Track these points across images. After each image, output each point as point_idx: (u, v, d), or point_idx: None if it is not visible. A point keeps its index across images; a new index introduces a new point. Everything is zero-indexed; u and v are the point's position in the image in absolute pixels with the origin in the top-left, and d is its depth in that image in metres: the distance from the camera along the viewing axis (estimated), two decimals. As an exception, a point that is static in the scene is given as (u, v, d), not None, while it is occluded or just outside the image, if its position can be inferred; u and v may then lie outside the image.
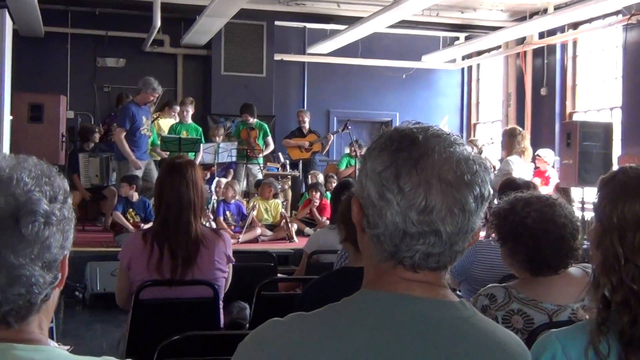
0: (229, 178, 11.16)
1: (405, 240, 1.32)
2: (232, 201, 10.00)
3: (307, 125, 12.79)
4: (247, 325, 3.98)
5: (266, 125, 11.78)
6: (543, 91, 13.65)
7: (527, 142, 8.85)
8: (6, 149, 6.96)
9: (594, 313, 1.77)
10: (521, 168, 8.48)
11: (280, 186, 10.96)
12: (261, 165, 11.32)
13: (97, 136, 11.39)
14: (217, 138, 11.62)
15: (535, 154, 10.66)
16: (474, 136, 15.44)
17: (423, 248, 1.32)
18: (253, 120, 11.52)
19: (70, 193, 1.37)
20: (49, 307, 1.37)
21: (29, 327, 1.32)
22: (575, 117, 13.00)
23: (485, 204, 1.37)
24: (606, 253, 1.75)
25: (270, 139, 11.68)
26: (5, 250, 1.22)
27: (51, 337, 1.42)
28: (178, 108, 11.85)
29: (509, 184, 4.29)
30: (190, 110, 11.51)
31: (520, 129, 9.29)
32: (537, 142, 13.07)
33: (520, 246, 2.64)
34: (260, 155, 11.35)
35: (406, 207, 1.30)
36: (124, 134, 9.23)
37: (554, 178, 10.69)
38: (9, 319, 1.27)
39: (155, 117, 11.11)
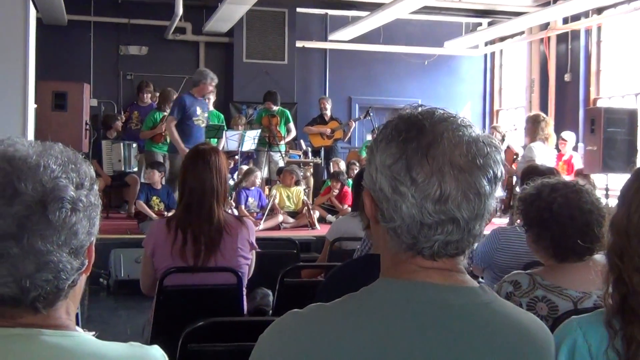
0: (250, 166, 11.19)
1: (423, 231, 1.31)
2: (253, 188, 10.02)
3: (328, 113, 12.77)
4: (271, 311, 4.00)
5: (288, 112, 11.76)
6: (567, 77, 13.53)
7: (550, 129, 8.78)
8: (31, 137, 7.01)
9: (608, 296, 1.76)
10: (545, 154, 8.42)
11: (302, 173, 10.96)
12: (282, 152, 11.32)
13: (119, 124, 11.43)
14: (240, 127, 11.63)
15: (560, 135, 10.65)
16: (497, 123, 15.35)
17: (442, 237, 1.31)
18: (276, 108, 11.52)
19: (96, 180, 1.38)
20: (76, 293, 1.38)
21: (57, 313, 1.33)
22: (600, 103, 12.88)
23: (499, 184, 1.35)
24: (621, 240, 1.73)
25: (292, 125, 11.66)
26: (33, 237, 1.23)
27: (76, 324, 1.44)
28: None
29: (531, 171, 4.26)
30: (212, 97, 11.53)
31: (544, 115, 9.22)
32: (561, 129, 12.96)
33: (546, 232, 2.63)
34: (282, 142, 11.34)
35: (421, 198, 1.29)
36: (174, 123, 9.17)
37: (577, 162, 10.63)
38: (37, 304, 1.28)
39: None
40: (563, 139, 10.95)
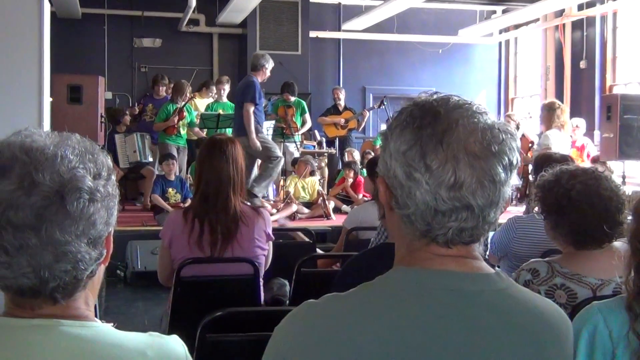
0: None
1: (437, 218, 1.30)
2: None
3: (342, 103, 12.75)
4: (287, 301, 4.01)
5: (304, 103, 11.74)
6: (582, 64, 13.44)
7: (566, 116, 8.72)
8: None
9: (629, 281, 1.75)
10: (560, 142, 8.37)
11: (316, 164, 10.96)
12: (297, 142, 11.31)
13: (127, 118, 11.40)
14: None
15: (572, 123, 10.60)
16: (512, 111, 15.28)
17: (456, 224, 1.31)
18: (293, 99, 11.51)
19: (113, 170, 1.38)
20: (95, 284, 1.39)
21: (76, 303, 1.33)
22: (616, 90, 12.79)
23: (515, 171, 1.34)
24: None
25: (307, 116, 11.64)
26: (51, 227, 1.23)
27: (95, 315, 1.44)
28: (214, 89, 11.88)
29: (545, 159, 4.23)
30: (227, 88, 11.52)
31: (560, 102, 9.16)
32: (577, 116, 12.87)
33: (564, 219, 2.61)
34: (297, 132, 11.33)
35: (435, 185, 1.28)
36: (253, 108, 9.06)
37: (591, 149, 10.57)
38: (56, 295, 1.29)
39: (191, 96, 11.14)
40: (574, 126, 10.89)
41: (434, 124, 1.30)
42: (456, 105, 1.34)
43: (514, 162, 1.33)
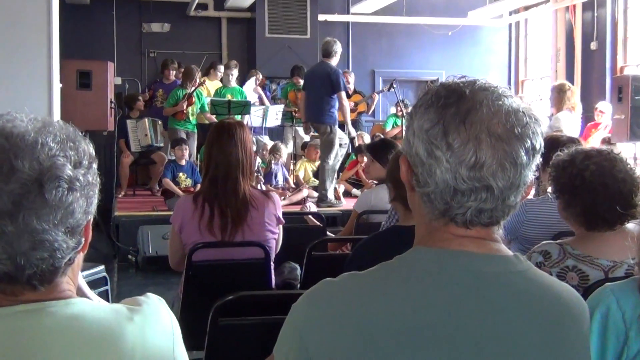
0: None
1: (456, 197, 1.30)
2: (278, 163, 10.02)
3: (351, 86, 12.72)
4: (299, 285, 4.02)
5: None
6: (593, 45, 13.34)
7: (576, 98, 8.68)
8: (57, 116, 7.06)
9: None
10: (571, 124, 8.33)
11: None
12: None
13: (141, 104, 11.37)
14: (257, 80, 11.57)
15: (596, 107, 10.55)
16: (522, 93, 15.21)
17: (475, 204, 1.31)
18: (302, 82, 11.49)
19: (95, 158, 1.36)
20: (75, 270, 1.39)
21: (58, 287, 1.33)
22: (627, 71, 12.69)
23: (537, 156, 1.34)
24: None
25: None
26: (28, 215, 1.22)
27: (107, 301, 1.44)
28: (222, 68, 11.86)
29: (552, 142, 4.19)
30: (235, 73, 11.49)
31: (570, 84, 9.11)
32: (588, 98, 12.79)
33: (577, 199, 2.60)
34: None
35: (456, 164, 1.28)
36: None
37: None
38: (34, 282, 1.28)
39: (201, 82, 11.12)
40: (598, 109, 10.83)
41: (459, 103, 1.31)
42: (482, 87, 1.34)
43: (537, 146, 1.33)
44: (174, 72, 11.94)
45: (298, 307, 1.36)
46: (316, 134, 11.50)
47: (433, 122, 1.31)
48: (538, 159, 1.34)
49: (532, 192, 4.44)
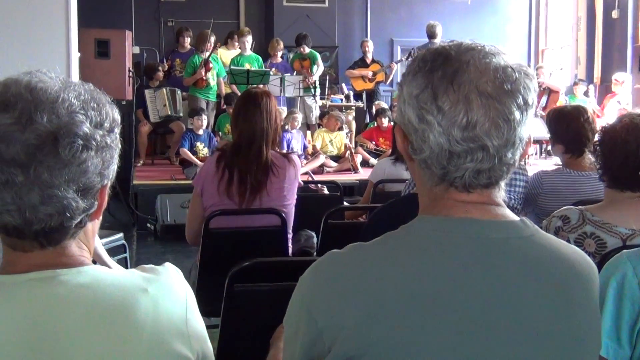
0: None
1: (452, 160, 1.30)
2: (294, 130, 10.01)
3: (370, 55, 12.66)
4: (315, 253, 4.03)
5: (317, 54, 11.66)
6: (614, 14, 13.15)
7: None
8: (75, 80, 7.07)
9: None
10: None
11: (344, 118, 10.93)
12: (316, 95, 11.22)
13: (160, 74, 11.29)
14: (278, 53, 11.52)
15: (613, 77, 10.46)
16: (542, 62, 15.05)
17: (472, 165, 1.30)
18: (307, 51, 11.46)
19: (119, 124, 1.36)
20: (88, 235, 1.38)
21: (68, 250, 1.33)
22: (649, 40, 12.54)
23: (531, 111, 1.32)
24: None
25: (319, 61, 11.56)
26: (40, 167, 1.22)
27: (125, 267, 1.43)
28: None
29: (557, 114, 4.15)
30: (250, 40, 11.43)
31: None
32: (608, 67, 12.67)
33: (610, 156, 2.58)
34: (315, 84, 11.21)
35: (448, 126, 1.27)
36: None
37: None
38: (41, 239, 1.28)
39: (215, 45, 11.06)
40: (617, 80, 10.72)
41: (445, 65, 1.30)
42: (468, 48, 1.33)
43: (530, 101, 1.31)
44: (189, 39, 11.90)
45: (305, 280, 1.36)
46: (333, 102, 11.48)
47: (421, 87, 1.30)
48: (532, 114, 1.33)
49: (552, 161, 4.41)
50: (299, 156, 9.73)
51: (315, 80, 11.21)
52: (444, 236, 1.32)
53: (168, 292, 1.36)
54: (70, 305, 1.27)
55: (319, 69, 11.46)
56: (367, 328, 1.26)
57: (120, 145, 1.36)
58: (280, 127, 3.87)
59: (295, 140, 9.96)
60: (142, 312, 1.30)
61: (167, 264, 1.45)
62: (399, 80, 1.34)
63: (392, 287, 1.27)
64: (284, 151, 9.43)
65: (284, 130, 10.00)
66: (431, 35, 9.67)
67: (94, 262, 1.42)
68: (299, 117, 10.26)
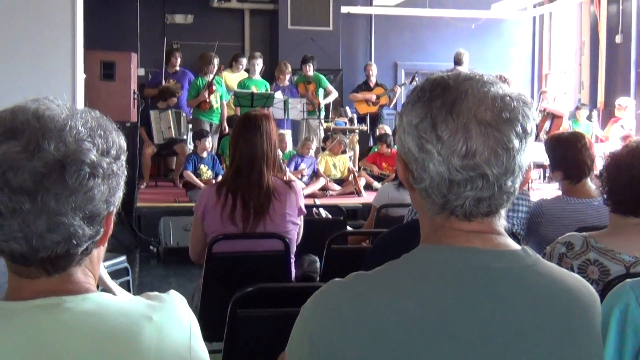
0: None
1: (452, 188, 1.30)
2: (307, 156, 10.02)
3: (373, 79, 12.71)
4: (318, 278, 4.03)
5: (322, 76, 11.71)
6: (618, 39, 13.21)
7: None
8: (80, 107, 7.11)
9: None
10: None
11: (347, 141, 10.95)
12: (320, 119, 11.25)
13: (174, 100, 11.10)
14: (286, 77, 11.56)
15: (616, 102, 10.47)
16: (546, 87, 15.09)
17: (472, 194, 1.30)
18: (311, 73, 11.50)
19: (125, 151, 1.37)
20: (93, 261, 1.38)
21: (73, 277, 1.33)
22: (652, 65, 12.58)
23: (530, 139, 1.33)
24: None
25: (330, 87, 11.61)
26: (47, 195, 1.22)
27: (128, 291, 1.44)
28: (245, 61, 11.86)
29: (555, 140, 4.16)
30: (260, 64, 11.49)
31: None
32: (612, 92, 12.70)
33: (614, 180, 2.59)
34: (320, 108, 11.24)
35: (448, 155, 1.28)
36: None
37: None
38: (47, 266, 1.28)
39: (219, 67, 11.09)
40: (620, 105, 10.74)
41: (444, 95, 1.31)
42: (466, 77, 1.34)
43: (529, 129, 1.32)
44: (180, 59, 11.97)
45: (307, 309, 1.36)
46: (337, 126, 11.49)
47: (421, 116, 1.31)
48: (531, 142, 1.34)
49: (553, 186, 4.41)
50: (305, 179, 9.72)
51: (320, 103, 11.24)
52: (446, 266, 1.32)
53: (172, 320, 1.36)
54: (75, 332, 1.27)
55: (331, 95, 11.49)
56: (369, 357, 1.26)
57: (126, 172, 1.37)
58: (277, 149, 3.88)
59: (305, 164, 9.95)
60: (147, 339, 1.30)
61: (172, 292, 1.45)
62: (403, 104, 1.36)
63: (394, 317, 1.27)
64: (291, 171, 9.54)
65: (299, 155, 10.02)
66: (458, 62, 10.00)
67: (98, 286, 1.43)
68: (314, 144, 10.25)
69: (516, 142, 1.30)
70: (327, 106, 11.66)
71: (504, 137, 1.29)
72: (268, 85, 11.35)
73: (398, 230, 2.94)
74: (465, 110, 1.29)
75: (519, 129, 1.30)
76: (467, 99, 1.30)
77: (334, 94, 11.65)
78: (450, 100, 1.30)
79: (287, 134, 10.59)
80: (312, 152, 10.12)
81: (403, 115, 1.36)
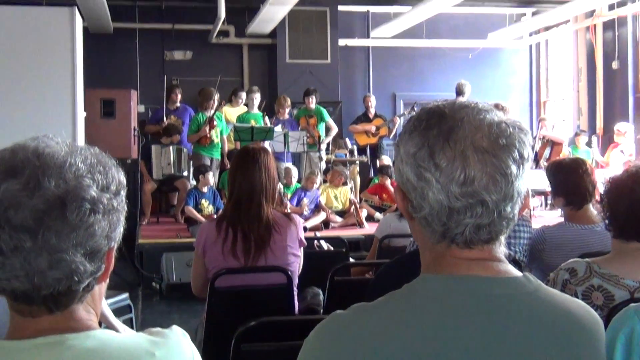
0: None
1: (452, 216, 1.30)
2: (311, 190, 10.02)
3: (372, 110, 12.77)
4: (322, 310, 4.01)
5: (324, 110, 11.76)
6: (615, 65, 13.27)
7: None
8: (81, 144, 7.14)
9: None
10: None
11: (348, 173, 10.96)
12: (321, 153, 11.27)
13: (178, 137, 11.11)
14: (285, 110, 11.60)
15: (615, 128, 10.50)
16: (544, 114, 15.14)
17: (472, 221, 1.30)
18: (313, 106, 11.55)
19: (125, 186, 1.37)
20: (95, 298, 1.38)
21: (75, 315, 1.32)
22: (650, 90, 12.62)
23: (528, 165, 1.34)
24: None
25: (330, 121, 11.67)
26: (48, 232, 1.22)
27: (131, 328, 1.43)
28: (244, 95, 11.92)
29: (556, 166, 4.17)
30: (258, 97, 11.54)
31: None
32: (610, 118, 12.74)
33: (616, 206, 2.59)
34: (321, 142, 11.27)
35: (446, 183, 1.29)
36: None
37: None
38: (49, 304, 1.28)
39: (220, 102, 11.14)
40: (619, 131, 10.78)
41: (440, 123, 1.32)
42: (461, 106, 1.35)
43: (525, 155, 1.33)
44: (180, 95, 12.02)
45: (309, 342, 1.35)
46: (338, 157, 11.52)
47: (418, 145, 1.32)
48: (528, 168, 1.34)
49: (556, 213, 4.41)
50: (306, 213, 9.71)
51: (320, 136, 11.28)
52: (447, 295, 1.31)
53: (175, 356, 1.36)
54: None
55: (331, 132, 11.55)
56: None
57: (126, 208, 1.37)
58: (276, 183, 3.89)
59: (308, 198, 9.93)
60: None
61: (174, 327, 1.44)
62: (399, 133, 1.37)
63: (396, 348, 1.26)
64: (293, 205, 9.53)
65: (302, 189, 10.02)
66: (459, 92, 10.31)
67: (100, 323, 1.42)
68: (319, 179, 10.25)
69: (514, 168, 1.30)
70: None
71: (501, 163, 1.29)
72: (267, 118, 11.38)
73: (400, 261, 2.94)
74: (462, 138, 1.29)
75: (515, 154, 1.31)
76: (464, 126, 1.31)
77: (334, 130, 11.72)
78: (447, 129, 1.31)
79: (294, 169, 10.60)
80: (316, 187, 10.13)
81: (400, 145, 1.37)
